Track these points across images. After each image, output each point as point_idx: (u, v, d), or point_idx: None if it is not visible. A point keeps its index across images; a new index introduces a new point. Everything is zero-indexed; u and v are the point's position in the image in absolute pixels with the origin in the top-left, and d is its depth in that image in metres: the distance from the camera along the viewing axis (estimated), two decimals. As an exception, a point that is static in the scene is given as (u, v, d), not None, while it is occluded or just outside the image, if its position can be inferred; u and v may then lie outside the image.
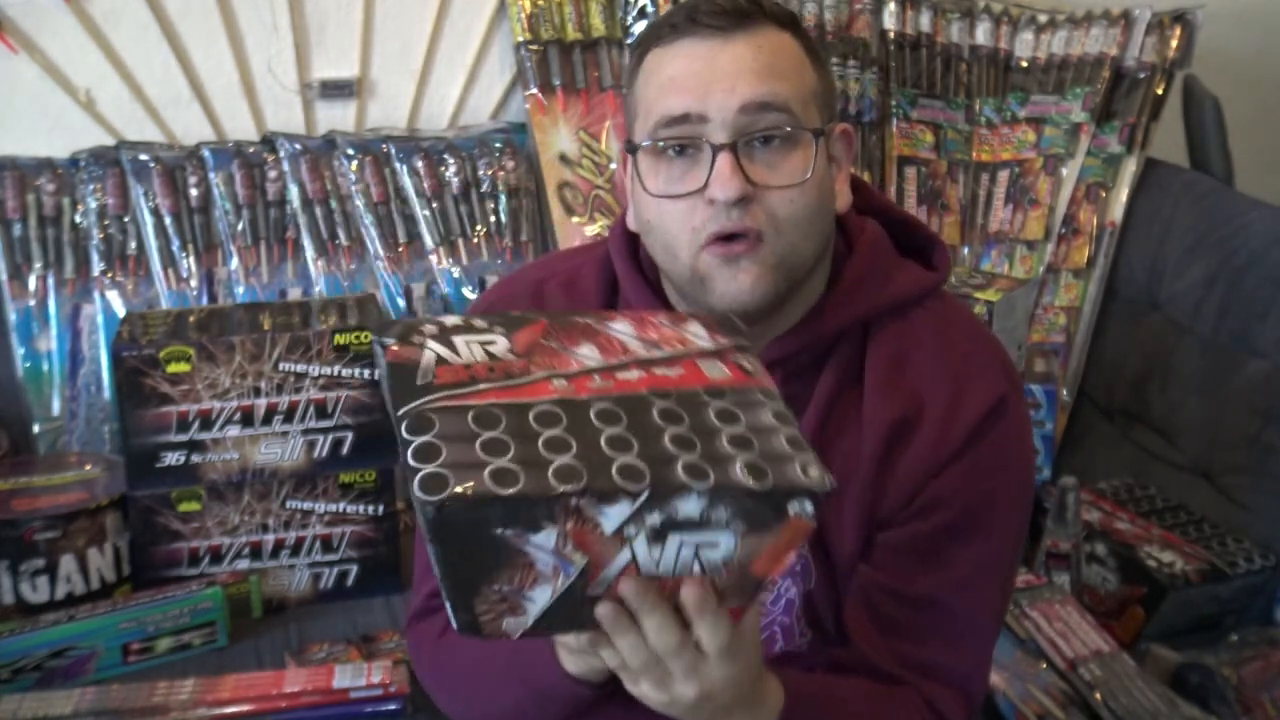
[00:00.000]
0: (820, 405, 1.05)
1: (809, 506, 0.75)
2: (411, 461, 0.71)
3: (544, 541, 0.71)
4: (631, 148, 1.02)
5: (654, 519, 0.72)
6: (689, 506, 0.72)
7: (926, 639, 1.05)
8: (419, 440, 0.72)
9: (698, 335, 0.86)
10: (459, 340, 0.81)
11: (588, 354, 0.81)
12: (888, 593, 1.05)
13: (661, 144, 0.98)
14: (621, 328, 0.85)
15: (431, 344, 0.81)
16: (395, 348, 0.80)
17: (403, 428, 0.73)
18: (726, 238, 0.98)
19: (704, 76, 0.97)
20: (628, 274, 1.09)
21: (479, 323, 0.83)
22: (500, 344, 0.81)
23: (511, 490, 0.70)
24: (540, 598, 0.74)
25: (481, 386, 0.77)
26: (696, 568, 0.75)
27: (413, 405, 0.75)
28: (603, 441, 0.74)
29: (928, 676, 1.05)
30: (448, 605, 0.75)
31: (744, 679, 0.85)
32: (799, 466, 0.76)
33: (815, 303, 1.06)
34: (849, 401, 1.05)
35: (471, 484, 0.70)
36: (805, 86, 1.00)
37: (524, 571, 0.72)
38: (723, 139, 0.96)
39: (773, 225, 0.98)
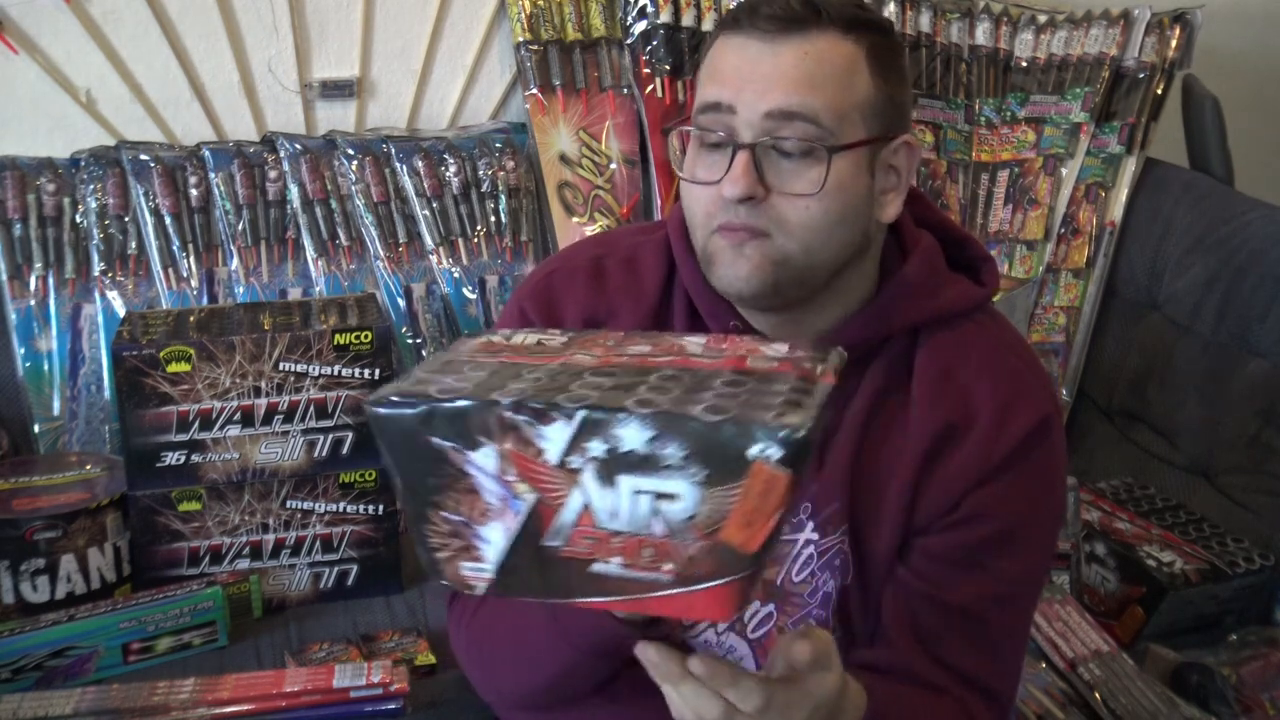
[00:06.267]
0: (865, 402, 1.07)
1: (775, 452, 0.65)
2: (391, 384, 0.71)
3: (484, 462, 0.67)
4: (666, 130, 1.06)
5: (597, 448, 0.66)
6: (632, 435, 0.66)
7: (964, 650, 1.07)
8: (410, 371, 0.73)
9: (773, 349, 0.79)
10: (520, 334, 0.81)
11: (637, 350, 0.77)
12: (928, 600, 1.06)
13: (696, 131, 1.02)
14: (694, 339, 0.80)
15: (493, 335, 0.82)
16: (463, 339, 0.81)
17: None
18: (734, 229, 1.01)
19: (743, 75, 1.00)
20: (683, 255, 1.11)
21: (554, 330, 0.83)
22: (557, 340, 0.80)
23: (444, 395, 0.67)
24: (494, 539, 0.69)
25: (504, 354, 0.76)
26: (659, 526, 0.67)
27: (428, 360, 0.76)
28: (575, 384, 0.69)
29: (965, 686, 1.07)
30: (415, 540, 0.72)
31: (816, 714, 0.85)
32: (773, 413, 0.66)
33: (859, 305, 1.08)
34: (894, 403, 1.08)
35: (409, 387, 0.68)
36: (849, 98, 1.00)
37: (470, 499, 0.68)
38: (746, 138, 0.99)
39: (780, 227, 1.00)
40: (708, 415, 0.66)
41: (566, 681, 1.07)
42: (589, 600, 0.71)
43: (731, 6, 2.13)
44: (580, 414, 0.66)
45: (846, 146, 0.99)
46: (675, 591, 0.69)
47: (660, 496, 0.67)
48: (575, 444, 0.67)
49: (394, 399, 0.68)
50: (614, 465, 0.67)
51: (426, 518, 0.70)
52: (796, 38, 0.99)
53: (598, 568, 0.69)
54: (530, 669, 1.08)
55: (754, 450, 0.65)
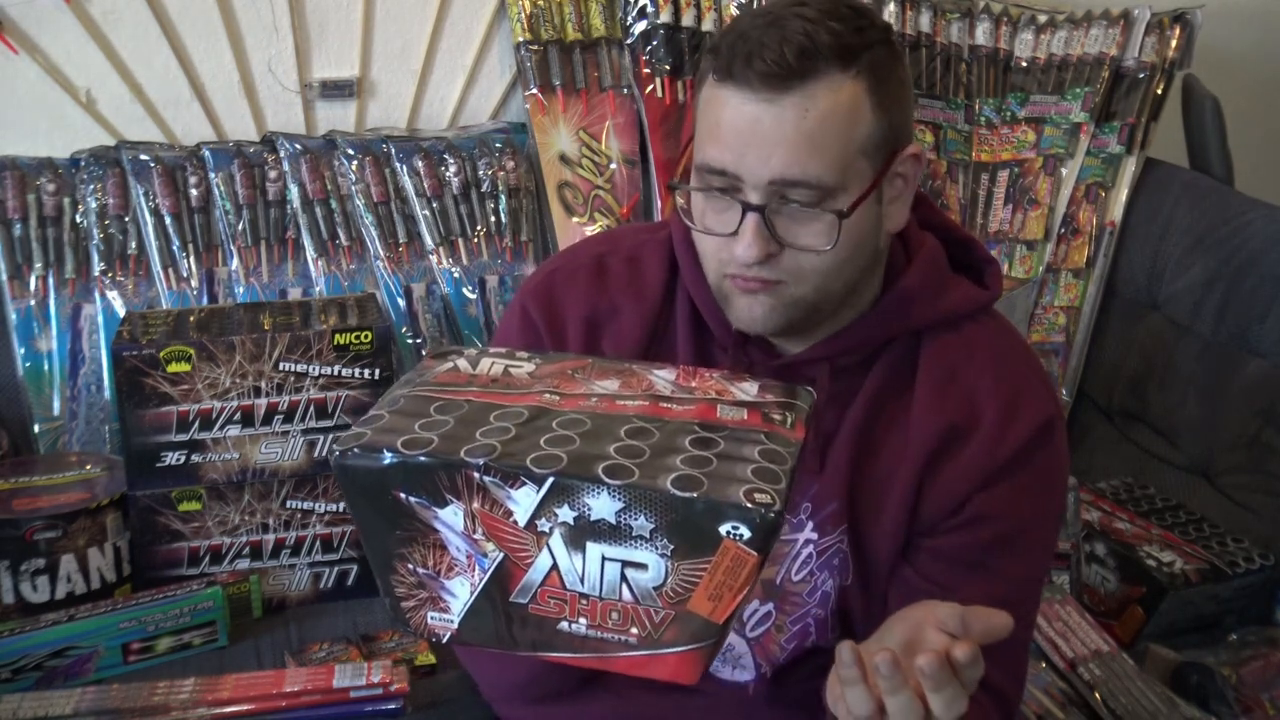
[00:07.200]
0: (867, 402, 1.08)
1: (745, 532, 0.66)
2: (354, 426, 0.71)
3: (452, 520, 0.67)
4: (672, 187, 1.07)
5: (566, 514, 0.67)
6: (601, 505, 0.66)
7: None
8: (371, 410, 0.72)
9: (742, 389, 0.81)
10: (486, 360, 0.80)
11: (605, 386, 0.78)
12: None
13: (701, 186, 1.01)
14: (663, 374, 0.81)
15: (459, 359, 0.80)
16: (428, 359, 0.81)
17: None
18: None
19: (744, 137, 0.96)
20: (685, 256, 1.11)
21: (520, 353, 0.82)
22: (524, 368, 0.79)
23: (412, 450, 0.67)
24: (460, 593, 0.70)
25: (471, 389, 0.76)
26: (626, 593, 0.68)
27: (394, 389, 0.76)
28: (544, 439, 0.70)
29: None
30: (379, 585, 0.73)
31: None
32: (744, 489, 0.67)
33: (865, 308, 1.08)
34: (897, 403, 1.08)
35: (375, 437, 0.68)
36: (852, 145, 0.97)
37: (437, 553, 0.69)
38: (755, 200, 0.97)
39: (795, 275, 1.00)
40: (679, 490, 0.66)
41: (544, 674, 1.07)
42: (554, 655, 0.72)
43: (731, 15, 2.14)
44: (549, 480, 0.67)
45: (856, 203, 0.98)
46: (640, 653, 0.70)
47: (628, 565, 0.68)
48: (544, 508, 0.67)
49: (358, 450, 0.68)
50: (583, 532, 0.67)
51: (393, 568, 0.70)
52: (795, 93, 0.95)
53: (564, 626, 0.70)
54: (509, 662, 1.08)
55: (724, 528, 0.67)
